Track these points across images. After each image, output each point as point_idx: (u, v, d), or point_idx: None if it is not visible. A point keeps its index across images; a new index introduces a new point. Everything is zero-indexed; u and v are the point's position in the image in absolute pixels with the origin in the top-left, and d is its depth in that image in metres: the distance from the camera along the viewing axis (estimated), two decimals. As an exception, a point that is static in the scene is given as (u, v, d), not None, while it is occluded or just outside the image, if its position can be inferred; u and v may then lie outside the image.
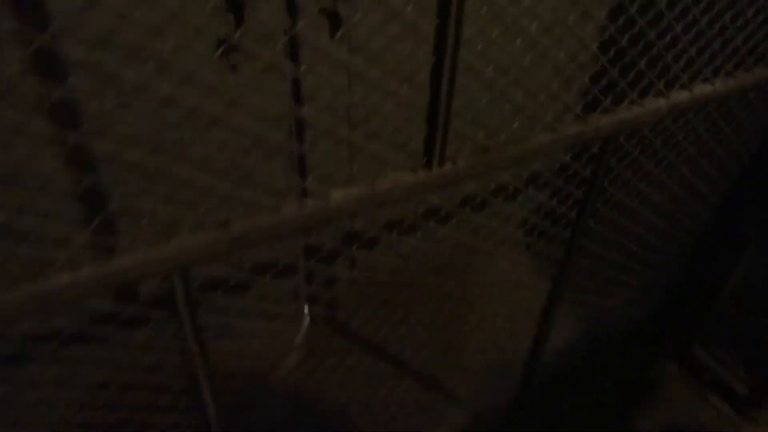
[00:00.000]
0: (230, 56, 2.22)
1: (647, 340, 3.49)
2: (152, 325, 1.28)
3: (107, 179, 1.43)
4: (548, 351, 2.86)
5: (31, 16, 1.49)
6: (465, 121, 1.47)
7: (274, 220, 1.23)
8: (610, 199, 1.98)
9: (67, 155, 1.67)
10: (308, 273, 2.71)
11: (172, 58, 1.92)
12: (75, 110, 1.68)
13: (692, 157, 2.12)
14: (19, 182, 1.49)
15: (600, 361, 3.38)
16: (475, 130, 1.58)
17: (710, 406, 3.19)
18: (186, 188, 1.49)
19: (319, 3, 2.22)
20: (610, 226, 2.18)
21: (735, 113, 2.10)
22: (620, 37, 1.53)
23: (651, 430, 2.99)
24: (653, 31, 1.59)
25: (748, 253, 2.97)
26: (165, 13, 1.70)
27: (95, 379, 1.31)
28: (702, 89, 1.85)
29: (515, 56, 1.55)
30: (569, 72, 1.68)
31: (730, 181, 2.49)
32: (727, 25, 1.77)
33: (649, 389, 3.36)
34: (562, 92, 1.87)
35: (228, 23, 2.12)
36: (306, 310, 3.23)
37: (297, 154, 2.10)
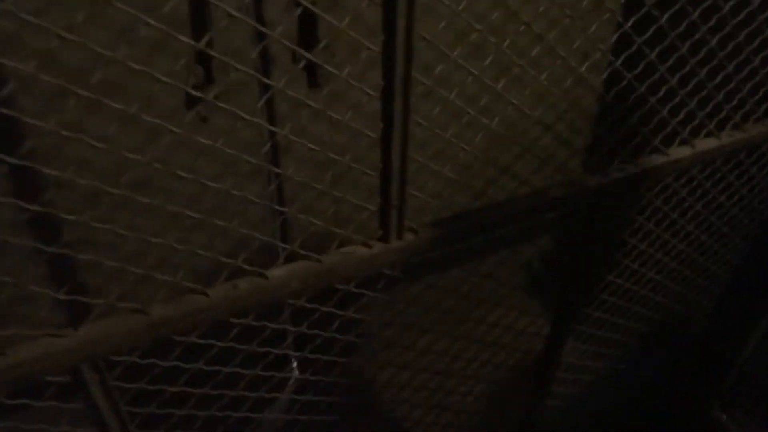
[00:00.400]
0: (200, 108, 2.12)
1: (664, 402, 3.24)
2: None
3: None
4: (551, 411, 2.65)
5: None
6: (433, 182, 1.33)
7: (202, 303, 1.09)
8: (609, 263, 1.81)
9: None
10: (295, 318, 2.55)
11: (138, 111, 1.83)
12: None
13: (699, 213, 1.94)
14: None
15: (613, 426, 3.13)
16: (445, 190, 1.43)
17: (732, 477, 2.92)
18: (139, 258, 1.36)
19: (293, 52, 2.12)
20: (613, 289, 1.99)
21: (747, 168, 1.92)
22: (606, 93, 1.38)
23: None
24: (646, 82, 1.44)
25: (770, 311, 2.73)
26: (129, 64, 1.60)
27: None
28: (705, 143, 1.68)
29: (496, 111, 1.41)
30: (557, 129, 1.53)
31: (745, 238, 2.30)
32: (731, 75, 1.61)
33: (666, 455, 3.10)
34: (551, 150, 1.72)
35: (197, 75, 2.02)
36: (294, 364, 3.06)
37: (278, 215, 1.98)
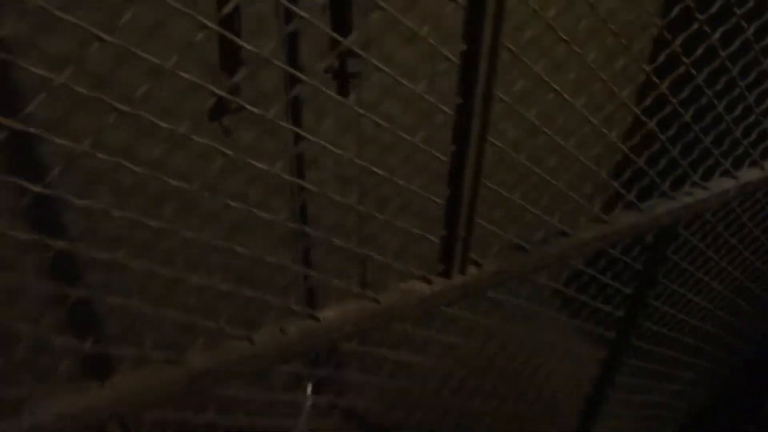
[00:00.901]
0: (224, 119, 1.99)
1: (704, 423, 3.09)
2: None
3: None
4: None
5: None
6: (491, 212, 1.18)
7: (246, 350, 0.94)
8: (663, 292, 1.67)
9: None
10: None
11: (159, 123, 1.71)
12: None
13: (757, 239, 1.81)
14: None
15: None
16: (504, 222, 1.30)
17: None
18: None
19: (324, 61, 1.99)
20: (662, 318, 1.85)
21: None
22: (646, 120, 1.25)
23: None
24: (724, 101, 1.31)
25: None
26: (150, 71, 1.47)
27: None
28: (749, 174, 1.55)
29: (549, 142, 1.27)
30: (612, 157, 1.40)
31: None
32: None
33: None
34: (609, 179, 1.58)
35: (222, 83, 1.89)
36: (309, 390, 2.90)
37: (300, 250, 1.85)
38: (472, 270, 1.12)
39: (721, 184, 1.44)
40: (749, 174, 1.50)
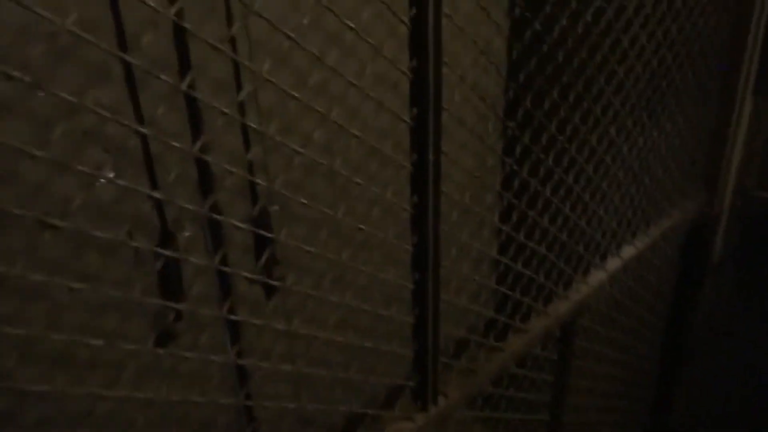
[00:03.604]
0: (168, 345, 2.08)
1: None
2: None
3: None
4: None
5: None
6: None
7: None
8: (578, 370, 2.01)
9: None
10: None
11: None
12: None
13: (629, 308, 2.25)
14: None
15: None
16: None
17: None
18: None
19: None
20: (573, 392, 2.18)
21: (652, 263, 2.29)
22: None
23: None
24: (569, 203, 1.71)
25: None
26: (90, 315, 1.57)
27: None
28: (628, 251, 2.01)
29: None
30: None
31: (664, 321, 2.66)
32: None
33: None
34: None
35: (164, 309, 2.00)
36: None
37: None
38: (442, 400, 1.35)
39: (597, 277, 1.84)
40: (614, 263, 1.93)
